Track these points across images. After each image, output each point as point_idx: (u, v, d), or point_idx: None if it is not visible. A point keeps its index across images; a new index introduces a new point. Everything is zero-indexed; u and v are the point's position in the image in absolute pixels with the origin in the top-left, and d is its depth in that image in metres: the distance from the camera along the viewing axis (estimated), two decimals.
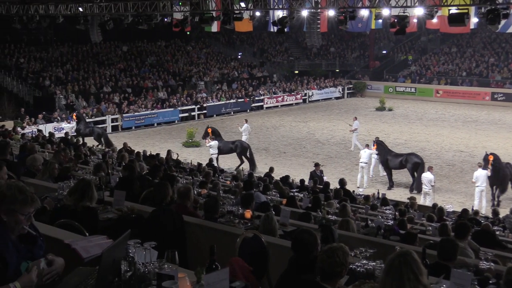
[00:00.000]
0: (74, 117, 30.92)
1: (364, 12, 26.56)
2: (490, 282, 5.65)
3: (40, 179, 9.37)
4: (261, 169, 22.58)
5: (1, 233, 3.72)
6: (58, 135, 28.19)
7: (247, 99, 41.54)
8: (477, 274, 5.88)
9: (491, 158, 20.89)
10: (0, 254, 3.64)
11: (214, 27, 30.53)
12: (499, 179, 20.73)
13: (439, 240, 6.94)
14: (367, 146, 23.66)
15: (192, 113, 38.48)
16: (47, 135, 24.96)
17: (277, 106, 43.88)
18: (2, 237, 3.71)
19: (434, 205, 16.40)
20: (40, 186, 8.56)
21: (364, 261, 5.28)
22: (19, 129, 26.66)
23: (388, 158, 22.58)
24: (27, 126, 29.10)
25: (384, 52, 55.63)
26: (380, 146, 23.11)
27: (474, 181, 20.21)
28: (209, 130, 25.81)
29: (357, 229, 9.25)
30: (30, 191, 3.91)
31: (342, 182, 17.49)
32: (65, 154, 14.45)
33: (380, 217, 12.27)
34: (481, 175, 20.06)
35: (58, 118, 31.69)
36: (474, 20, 24.57)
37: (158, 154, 20.23)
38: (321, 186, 17.59)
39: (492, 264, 6.34)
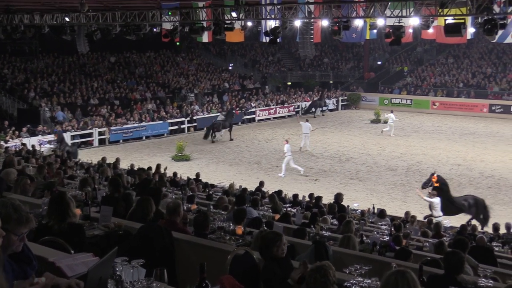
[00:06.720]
0: None
1: (358, 22, 26.58)
2: None
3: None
4: (253, 184, 22.53)
5: None
6: (42, 149, 28.17)
7: (239, 111, 41.60)
8: None
9: (434, 179, 19.88)
10: None
11: (205, 38, 30.59)
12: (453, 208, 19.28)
13: (445, 253, 6.93)
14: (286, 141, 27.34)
15: (182, 126, 38.49)
16: (31, 148, 24.88)
17: (269, 119, 43.97)
18: None
19: (430, 220, 16.31)
20: (23, 202, 8.49)
21: (360, 279, 5.27)
22: (2, 142, 26.55)
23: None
24: (11, 140, 28.96)
25: (379, 63, 55.88)
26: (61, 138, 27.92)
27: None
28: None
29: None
30: (25, 211, 3.84)
31: (338, 197, 17.26)
32: (50, 168, 14.39)
33: (375, 232, 12.25)
34: (436, 203, 18.99)
35: (43, 131, 31.59)
36: (470, 30, 24.69)
37: (150, 168, 20.26)
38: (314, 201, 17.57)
39: (491, 281, 6.34)
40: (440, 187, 19.52)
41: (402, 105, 48.25)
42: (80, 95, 37.62)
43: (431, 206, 19.14)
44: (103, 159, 21.88)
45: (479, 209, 19.34)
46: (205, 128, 36.40)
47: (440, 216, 18.55)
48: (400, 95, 49.56)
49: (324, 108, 47.06)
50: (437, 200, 19.02)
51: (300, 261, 6.88)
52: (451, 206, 19.34)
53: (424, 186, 20.59)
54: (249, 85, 48.30)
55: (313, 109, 45.69)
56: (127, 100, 39.19)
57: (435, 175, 20.17)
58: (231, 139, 35.35)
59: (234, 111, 38.55)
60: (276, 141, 34.90)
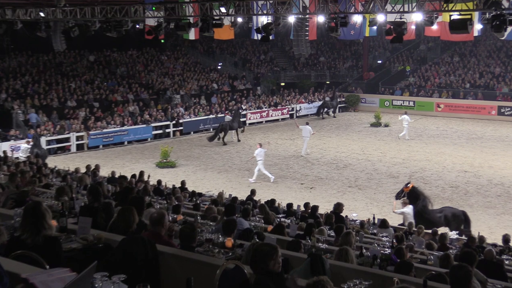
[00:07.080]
0: None
1: (357, 18, 26.77)
2: None
3: None
4: (244, 192, 22.52)
5: None
6: (15, 155, 28.06)
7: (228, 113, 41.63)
8: None
9: (406, 189, 20.00)
10: None
11: (192, 35, 30.64)
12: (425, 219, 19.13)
13: (451, 267, 6.93)
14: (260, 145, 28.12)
15: (167, 130, 38.46)
16: (2, 154, 24.76)
17: (261, 122, 44.00)
18: None
19: (434, 231, 16.36)
20: None
21: None
22: None
23: None
24: None
25: (380, 62, 56.05)
26: None
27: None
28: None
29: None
30: None
31: (337, 207, 17.06)
32: (23, 176, 14.32)
33: (376, 245, 12.25)
34: (407, 212, 19.22)
35: (15, 136, 31.46)
36: (478, 26, 24.85)
37: (133, 175, 20.20)
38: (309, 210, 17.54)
39: None
40: (413, 193, 19.65)
41: (404, 107, 48.09)
42: (56, 97, 37.50)
43: (404, 216, 19.28)
44: (87, 167, 21.75)
45: (458, 222, 19.24)
46: (190, 132, 36.44)
47: None
48: (402, 97, 49.67)
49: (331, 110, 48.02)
50: (408, 209, 19.21)
51: (294, 275, 6.88)
52: (423, 218, 19.23)
53: (397, 197, 20.53)
54: (240, 86, 48.32)
55: (323, 110, 46.70)
56: (108, 102, 39.10)
57: (409, 185, 20.20)
58: (239, 140, 36.69)
59: (240, 110, 39.45)
60: (268, 146, 34.91)
